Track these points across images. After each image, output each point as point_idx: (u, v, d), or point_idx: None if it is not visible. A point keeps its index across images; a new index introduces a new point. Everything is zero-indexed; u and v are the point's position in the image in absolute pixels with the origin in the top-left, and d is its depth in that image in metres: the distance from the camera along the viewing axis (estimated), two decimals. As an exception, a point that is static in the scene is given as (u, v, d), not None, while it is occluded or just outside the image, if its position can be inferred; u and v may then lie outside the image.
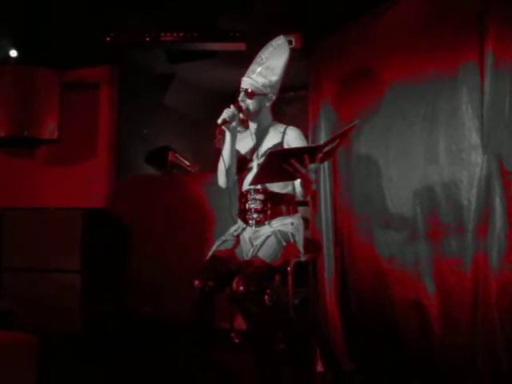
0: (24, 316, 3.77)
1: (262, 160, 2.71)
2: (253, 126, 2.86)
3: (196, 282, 2.52)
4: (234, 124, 2.72)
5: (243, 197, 2.78)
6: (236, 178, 2.85)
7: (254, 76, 2.76)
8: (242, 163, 2.82)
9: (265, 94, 2.77)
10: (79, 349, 3.64)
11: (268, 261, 2.54)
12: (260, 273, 2.51)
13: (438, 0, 2.82)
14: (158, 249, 4.21)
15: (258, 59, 2.81)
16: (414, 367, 2.78)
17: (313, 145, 2.51)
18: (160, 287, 4.11)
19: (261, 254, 2.55)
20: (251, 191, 2.74)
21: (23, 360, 2.06)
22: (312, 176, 2.57)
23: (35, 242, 3.98)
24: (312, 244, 3.01)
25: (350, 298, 3.20)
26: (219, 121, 2.67)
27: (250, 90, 2.74)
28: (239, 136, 2.84)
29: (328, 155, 2.61)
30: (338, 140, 2.54)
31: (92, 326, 3.94)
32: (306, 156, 2.44)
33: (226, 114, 2.68)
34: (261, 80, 2.75)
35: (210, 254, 2.70)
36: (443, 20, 2.71)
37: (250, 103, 2.76)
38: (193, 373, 2.73)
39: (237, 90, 2.81)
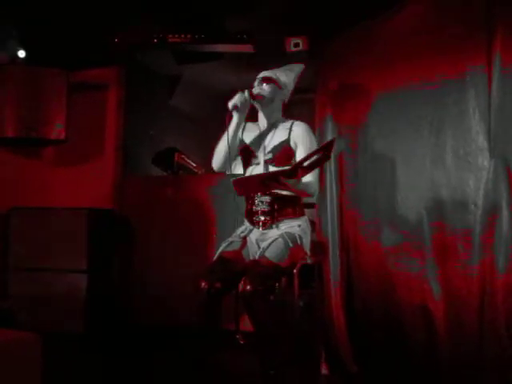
0: (29, 315, 3.79)
1: (268, 156, 2.73)
2: (262, 119, 2.86)
3: (203, 284, 2.51)
4: (243, 110, 2.69)
5: (250, 198, 2.77)
6: (235, 163, 2.84)
7: (275, 70, 2.83)
8: (248, 157, 2.82)
9: (280, 87, 2.80)
10: (84, 349, 3.65)
11: (275, 261, 2.54)
12: (267, 272, 2.51)
13: (445, 4, 2.82)
14: (164, 249, 4.21)
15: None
16: (419, 370, 2.78)
17: (287, 168, 2.51)
18: (165, 288, 4.12)
19: (268, 254, 2.56)
20: (258, 193, 2.73)
21: (28, 359, 2.05)
22: (298, 187, 2.56)
23: (42, 242, 3.99)
24: (318, 246, 3.02)
25: (355, 300, 3.19)
26: (230, 105, 2.66)
27: (268, 76, 2.78)
28: (247, 127, 2.85)
29: (310, 168, 2.55)
30: (319, 155, 2.48)
31: (96, 326, 3.95)
32: (281, 177, 2.42)
33: (238, 98, 2.66)
34: (282, 76, 2.82)
35: (217, 255, 2.70)
36: (451, 23, 2.71)
37: (267, 89, 2.77)
38: (196, 374, 2.73)
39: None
